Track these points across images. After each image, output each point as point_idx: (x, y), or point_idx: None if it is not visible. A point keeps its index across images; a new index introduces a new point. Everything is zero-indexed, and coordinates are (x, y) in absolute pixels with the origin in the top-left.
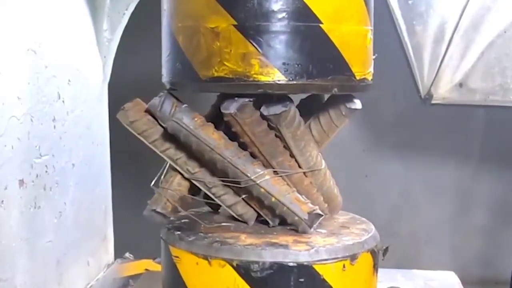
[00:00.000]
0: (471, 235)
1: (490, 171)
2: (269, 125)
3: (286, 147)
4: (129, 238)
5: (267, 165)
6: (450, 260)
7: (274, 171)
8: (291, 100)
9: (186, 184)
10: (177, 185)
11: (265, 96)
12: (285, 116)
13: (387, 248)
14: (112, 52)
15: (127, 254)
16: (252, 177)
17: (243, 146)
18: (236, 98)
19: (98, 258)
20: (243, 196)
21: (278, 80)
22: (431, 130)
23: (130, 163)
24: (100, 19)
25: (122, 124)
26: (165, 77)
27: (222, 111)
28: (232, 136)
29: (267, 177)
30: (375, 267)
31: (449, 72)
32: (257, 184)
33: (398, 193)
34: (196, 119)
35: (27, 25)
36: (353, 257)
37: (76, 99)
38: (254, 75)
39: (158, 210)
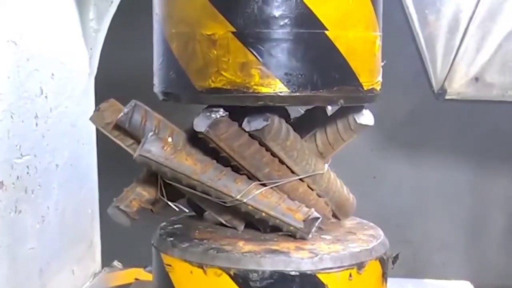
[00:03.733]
0: (489, 241)
1: (509, 171)
2: (252, 136)
3: (275, 155)
4: (118, 245)
5: (252, 177)
6: (466, 269)
7: (262, 184)
8: (272, 111)
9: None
10: (149, 185)
11: (242, 107)
12: (268, 130)
13: (397, 255)
14: (99, 43)
15: (115, 263)
16: (237, 197)
17: (225, 160)
18: (208, 113)
19: (84, 266)
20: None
21: (280, 92)
22: (444, 128)
23: (119, 163)
24: (86, 7)
25: None
26: (157, 87)
27: (194, 128)
28: (213, 150)
29: (253, 192)
30: (384, 276)
31: (464, 66)
32: (244, 202)
33: (409, 196)
34: (165, 147)
35: (7, 14)
36: (360, 266)
37: (60, 94)
38: (254, 86)
39: (122, 207)
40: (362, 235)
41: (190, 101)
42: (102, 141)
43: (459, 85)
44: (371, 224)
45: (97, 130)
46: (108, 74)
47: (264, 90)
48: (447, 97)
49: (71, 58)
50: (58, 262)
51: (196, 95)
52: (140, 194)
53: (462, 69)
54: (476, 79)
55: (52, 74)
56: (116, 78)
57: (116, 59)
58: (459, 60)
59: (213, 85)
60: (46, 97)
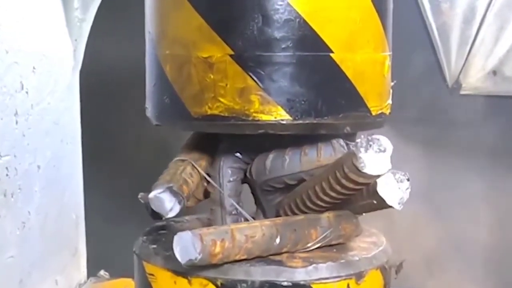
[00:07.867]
0: (508, 249)
1: None
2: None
3: None
4: (104, 253)
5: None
6: (483, 279)
7: None
8: None
9: (198, 177)
10: (189, 175)
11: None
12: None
13: (401, 264)
14: (85, 34)
15: (101, 272)
16: None
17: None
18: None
19: (68, 276)
20: None
21: (282, 120)
22: (460, 125)
23: (105, 164)
24: None
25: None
26: (150, 111)
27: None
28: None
29: None
30: (386, 287)
31: (481, 58)
32: None
33: (421, 199)
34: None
35: None
36: (359, 276)
37: (42, 89)
38: (254, 114)
39: (175, 189)
40: (362, 242)
41: (185, 128)
42: (87, 140)
43: (475, 79)
44: (373, 230)
45: (82, 128)
46: (94, 67)
47: (265, 117)
48: (462, 92)
49: (54, 50)
50: (40, 271)
51: (191, 122)
52: (187, 182)
53: (478, 62)
54: (494, 72)
55: (34, 68)
56: (102, 72)
57: (102, 52)
58: (475, 52)
59: (209, 111)
60: (26, 92)
